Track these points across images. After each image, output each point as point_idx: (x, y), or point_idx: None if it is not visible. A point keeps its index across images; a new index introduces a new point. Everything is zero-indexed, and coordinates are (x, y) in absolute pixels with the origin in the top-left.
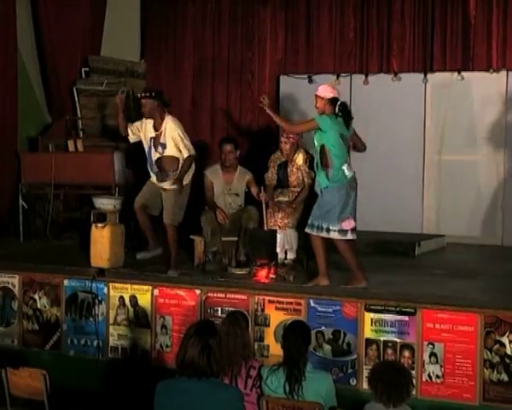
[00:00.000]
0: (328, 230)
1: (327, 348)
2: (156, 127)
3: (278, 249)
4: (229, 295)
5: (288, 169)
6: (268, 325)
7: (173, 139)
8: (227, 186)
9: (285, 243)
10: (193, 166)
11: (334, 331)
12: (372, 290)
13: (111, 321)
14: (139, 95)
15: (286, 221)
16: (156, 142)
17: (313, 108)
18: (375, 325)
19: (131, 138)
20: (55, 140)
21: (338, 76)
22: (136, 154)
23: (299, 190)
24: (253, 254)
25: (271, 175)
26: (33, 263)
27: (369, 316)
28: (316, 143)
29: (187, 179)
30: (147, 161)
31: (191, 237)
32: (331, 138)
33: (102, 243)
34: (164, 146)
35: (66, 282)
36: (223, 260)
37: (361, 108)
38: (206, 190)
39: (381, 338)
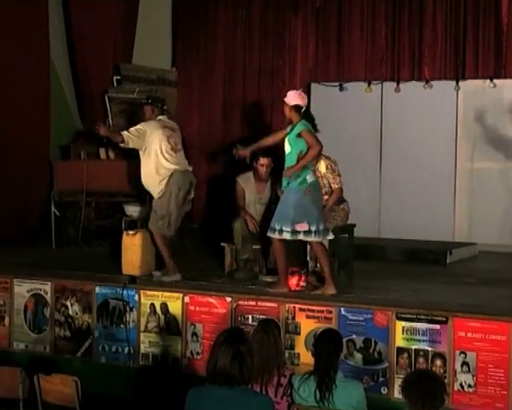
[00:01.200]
0: (280, 231)
1: (358, 356)
2: None
3: (309, 257)
4: (259, 303)
5: None
6: (298, 333)
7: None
8: (258, 195)
9: None
10: (179, 178)
11: (365, 340)
12: (403, 299)
13: (142, 328)
14: (144, 101)
15: None
16: None
17: (344, 115)
18: (407, 334)
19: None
20: (87, 148)
21: (369, 84)
22: None
23: (326, 197)
24: None
25: None
26: (65, 270)
27: (400, 324)
28: (290, 149)
29: (162, 191)
30: None
31: (222, 244)
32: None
33: (133, 250)
34: None
35: (97, 289)
36: (253, 267)
37: (392, 115)
38: (238, 197)
39: (413, 347)
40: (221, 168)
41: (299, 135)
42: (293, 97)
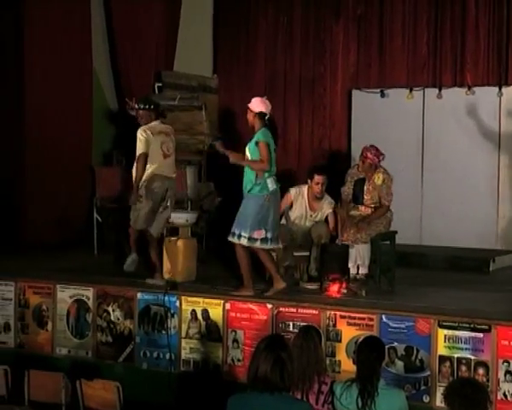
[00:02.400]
0: (239, 236)
1: (399, 364)
2: None
3: (350, 264)
4: (300, 310)
5: (365, 187)
6: (340, 341)
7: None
8: (310, 212)
9: (357, 258)
10: (156, 182)
11: (406, 347)
12: (445, 307)
13: (183, 334)
14: (136, 106)
15: (358, 236)
16: None
17: (386, 122)
18: (449, 342)
19: None
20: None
21: (411, 90)
22: (208, 168)
23: (373, 207)
24: (325, 269)
25: (348, 190)
26: (107, 276)
27: (442, 333)
28: (250, 157)
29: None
30: None
31: None
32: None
33: (175, 256)
34: None
35: (139, 295)
36: (294, 274)
37: (434, 122)
38: (280, 205)
39: (455, 355)
40: None
41: (256, 143)
42: (258, 104)
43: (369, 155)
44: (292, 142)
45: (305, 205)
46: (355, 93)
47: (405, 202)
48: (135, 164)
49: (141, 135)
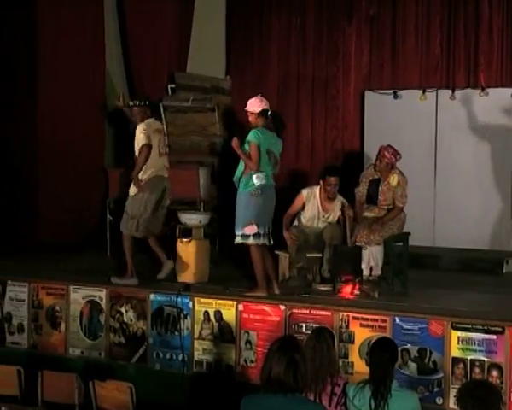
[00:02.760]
0: (235, 236)
1: (412, 366)
2: None
3: (363, 266)
4: (313, 312)
5: (380, 187)
6: (352, 342)
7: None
8: (322, 213)
9: (370, 260)
10: (153, 182)
11: (419, 349)
12: (459, 308)
13: (196, 336)
14: (130, 104)
15: (372, 237)
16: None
17: (399, 123)
18: (462, 344)
19: None
20: None
21: (424, 91)
22: (221, 169)
23: (386, 208)
24: (338, 271)
25: (362, 190)
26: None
27: (455, 334)
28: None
29: (133, 190)
30: None
31: (276, 252)
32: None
33: (188, 258)
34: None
35: (152, 296)
36: (307, 276)
37: (447, 123)
38: (292, 207)
39: (469, 357)
40: (275, 175)
41: (248, 142)
42: (257, 104)
43: (386, 153)
44: (305, 143)
45: (317, 206)
46: (368, 94)
47: (418, 203)
48: (136, 156)
49: (143, 129)
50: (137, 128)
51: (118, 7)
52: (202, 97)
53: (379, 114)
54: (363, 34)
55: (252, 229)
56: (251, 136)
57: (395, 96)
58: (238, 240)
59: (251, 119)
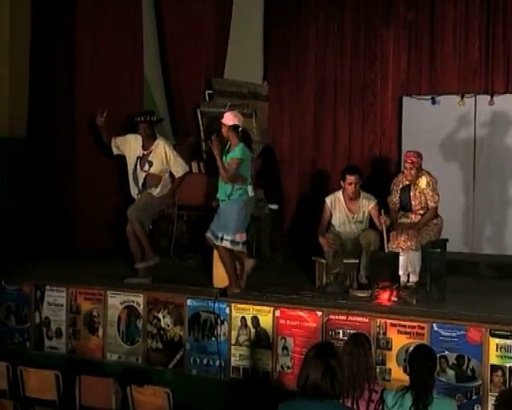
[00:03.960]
0: (222, 239)
1: (450, 373)
2: (145, 147)
3: (401, 272)
4: (350, 318)
5: (411, 193)
6: (390, 349)
7: (165, 158)
8: (351, 215)
9: (408, 266)
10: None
11: (457, 356)
12: (497, 315)
13: (233, 341)
14: (136, 119)
15: (409, 243)
16: (143, 160)
17: (437, 129)
18: (501, 351)
19: (115, 151)
20: None
21: (462, 97)
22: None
23: (422, 212)
24: (375, 277)
25: (395, 199)
26: (157, 283)
27: (494, 341)
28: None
29: (160, 192)
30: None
31: (313, 258)
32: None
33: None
34: (151, 164)
35: (189, 302)
36: (344, 282)
37: (486, 128)
38: (323, 218)
39: (507, 364)
40: (312, 182)
41: (231, 158)
42: (231, 118)
43: (414, 159)
44: (341, 149)
45: (343, 209)
46: (406, 100)
47: (457, 209)
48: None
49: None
50: (168, 147)
51: (156, 12)
52: (239, 103)
53: (417, 120)
54: (401, 39)
55: (242, 237)
56: (238, 153)
57: (433, 102)
58: (227, 244)
59: (223, 130)
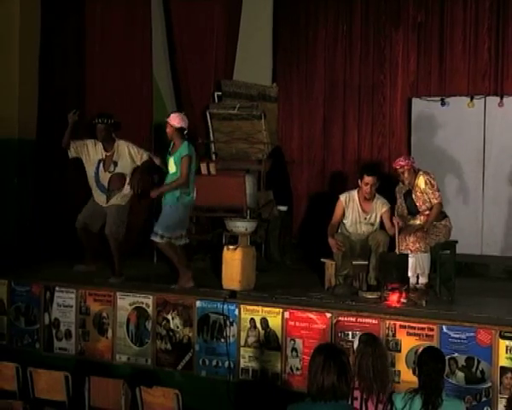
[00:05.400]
0: (162, 236)
1: (460, 375)
2: (107, 149)
3: (410, 274)
4: (359, 320)
5: (413, 196)
6: (399, 351)
7: (130, 155)
8: (363, 215)
9: (417, 268)
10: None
11: (467, 358)
12: (507, 317)
13: (242, 343)
14: (94, 121)
15: (418, 245)
16: (108, 162)
17: (446, 130)
18: (510, 353)
19: (71, 154)
20: None
21: (472, 98)
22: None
23: (428, 213)
24: (385, 278)
25: (400, 205)
26: (167, 284)
27: (503, 343)
28: (175, 169)
29: (124, 200)
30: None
31: (322, 260)
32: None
33: (234, 265)
34: (116, 164)
35: (198, 303)
36: (353, 283)
37: (495, 130)
38: (335, 216)
39: None
40: (321, 183)
41: (181, 157)
42: (178, 120)
43: (401, 163)
44: (351, 150)
45: (357, 208)
46: (415, 101)
47: (466, 211)
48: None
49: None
50: (122, 144)
51: (165, 14)
52: (249, 105)
53: (426, 122)
54: (411, 41)
55: (182, 234)
56: (186, 150)
57: (442, 104)
58: (164, 241)
59: (168, 130)
